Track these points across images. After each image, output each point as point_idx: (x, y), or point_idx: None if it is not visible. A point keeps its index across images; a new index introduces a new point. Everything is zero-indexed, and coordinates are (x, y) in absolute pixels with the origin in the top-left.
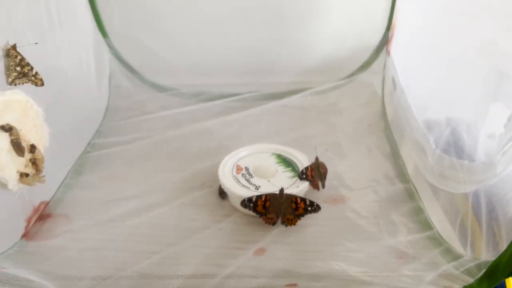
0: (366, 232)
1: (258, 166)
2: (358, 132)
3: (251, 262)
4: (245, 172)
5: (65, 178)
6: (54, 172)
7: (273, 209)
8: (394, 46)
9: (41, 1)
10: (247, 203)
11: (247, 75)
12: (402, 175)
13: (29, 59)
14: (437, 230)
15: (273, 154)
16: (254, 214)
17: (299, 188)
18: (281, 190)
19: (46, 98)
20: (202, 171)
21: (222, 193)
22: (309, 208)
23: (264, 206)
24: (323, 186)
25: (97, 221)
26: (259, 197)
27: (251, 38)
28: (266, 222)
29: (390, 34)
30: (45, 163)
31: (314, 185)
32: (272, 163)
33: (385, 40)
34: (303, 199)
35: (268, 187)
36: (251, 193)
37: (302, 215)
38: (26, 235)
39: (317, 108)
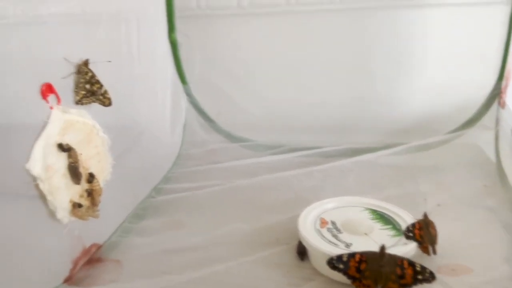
0: None
1: (348, 220)
2: (471, 193)
3: None
4: (332, 227)
5: (124, 221)
6: (112, 214)
7: (371, 273)
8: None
9: (121, 29)
10: (336, 263)
11: (331, 132)
12: None
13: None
14: None
15: (366, 209)
16: (345, 279)
17: (405, 250)
18: (382, 248)
19: (113, 131)
20: (277, 225)
21: (302, 252)
22: (419, 277)
23: (358, 269)
24: (434, 252)
25: (151, 272)
26: (351, 256)
27: (337, 93)
28: None
29: (504, 83)
30: (104, 202)
31: (424, 248)
32: (365, 218)
33: (497, 92)
34: (411, 263)
35: (362, 246)
36: (340, 251)
37: (410, 285)
38: (69, 280)
39: (415, 166)
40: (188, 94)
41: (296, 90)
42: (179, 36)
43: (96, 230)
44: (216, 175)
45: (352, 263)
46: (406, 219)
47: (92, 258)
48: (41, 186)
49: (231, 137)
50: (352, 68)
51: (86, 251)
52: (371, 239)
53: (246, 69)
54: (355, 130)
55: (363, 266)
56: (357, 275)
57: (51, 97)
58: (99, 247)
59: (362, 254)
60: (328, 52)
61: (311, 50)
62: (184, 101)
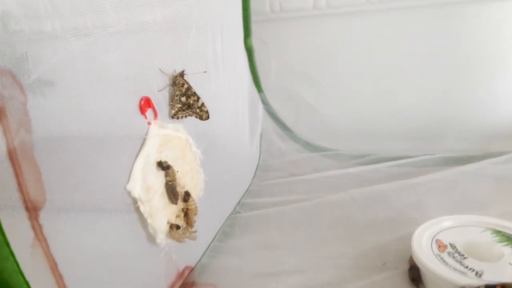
0: None
1: (471, 243)
2: None
3: None
4: (452, 251)
5: (213, 240)
6: (202, 232)
7: None
8: None
9: (208, 37)
10: None
11: (421, 139)
12: None
13: None
14: None
15: (488, 229)
16: None
17: None
18: None
19: (201, 145)
20: (381, 247)
21: (416, 279)
22: None
23: None
24: None
25: None
26: (490, 287)
27: (427, 96)
28: None
29: None
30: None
31: None
32: (491, 241)
33: None
34: None
35: (497, 275)
36: (471, 281)
37: None
38: None
39: None
40: (264, 102)
41: (380, 94)
42: (254, 41)
43: (188, 251)
44: (301, 188)
45: None
46: None
47: (186, 282)
48: (142, 208)
49: (310, 146)
50: (442, 69)
51: (180, 275)
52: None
53: (325, 73)
54: (446, 136)
55: None
56: None
57: (149, 112)
58: (191, 269)
59: (504, 285)
60: (415, 52)
61: (395, 51)
62: (260, 110)
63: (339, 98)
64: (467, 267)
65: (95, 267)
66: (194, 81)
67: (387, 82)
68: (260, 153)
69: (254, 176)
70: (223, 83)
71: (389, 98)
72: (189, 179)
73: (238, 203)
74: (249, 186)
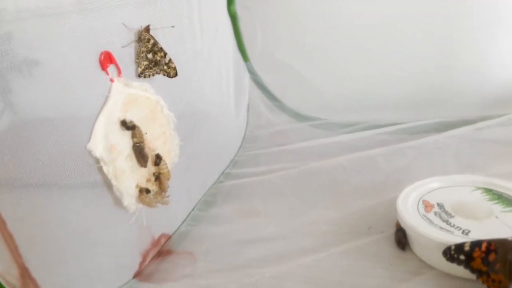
0: None
1: (459, 202)
2: None
3: None
4: (439, 210)
5: (193, 209)
6: (180, 201)
7: (502, 266)
8: None
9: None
10: (456, 253)
11: (414, 108)
12: None
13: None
14: None
15: (479, 188)
16: (463, 272)
17: None
18: None
19: (177, 110)
20: (367, 211)
21: (402, 241)
22: None
23: (485, 261)
24: None
25: (228, 266)
26: (476, 244)
27: (419, 63)
28: (488, 287)
29: None
30: (171, 188)
31: None
32: (480, 200)
33: None
34: None
35: (484, 233)
36: (457, 239)
37: None
38: (139, 274)
39: None
40: (251, 72)
41: (371, 62)
42: (238, 9)
43: (165, 219)
44: (287, 158)
45: (477, 254)
46: None
47: (162, 250)
48: (105, 169)
49: (298, 117)
50: (436, 33)
51: (155, 243)
52: (501, 222)
53: (314, 41)
54: (440, 104)
55: (492, 257)
56: (484, 268)
57: (111, 68)
58: (168, 237)
59: (491, 242)
60: (407, 17)
61: (388, 16)
62: (247, 80)
63: (329, 67)
64: (453, 225)
65: (57, 236)
66: (164, 43)
67: (379, 50)
68: (247, 124)
69: (240, 147)
70: (202, 49)
71: (381, 66)
72: (161, 143)
73: (223, 173)
74: (235, 156)
